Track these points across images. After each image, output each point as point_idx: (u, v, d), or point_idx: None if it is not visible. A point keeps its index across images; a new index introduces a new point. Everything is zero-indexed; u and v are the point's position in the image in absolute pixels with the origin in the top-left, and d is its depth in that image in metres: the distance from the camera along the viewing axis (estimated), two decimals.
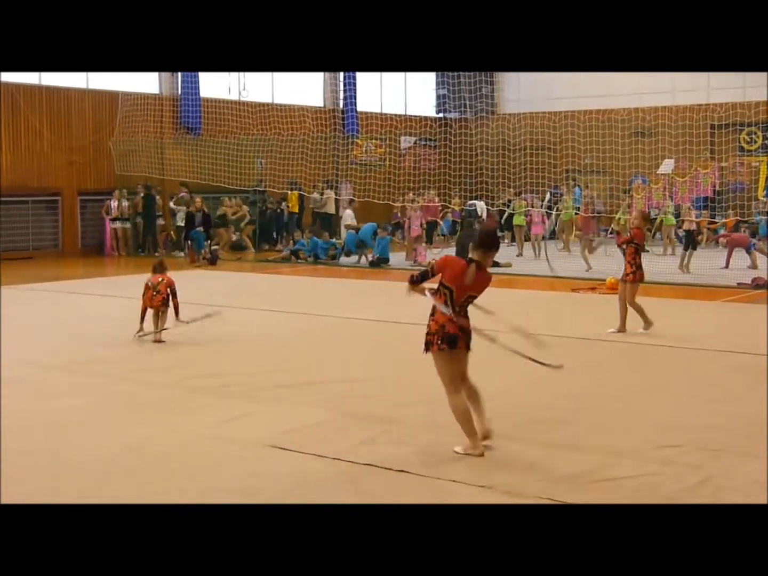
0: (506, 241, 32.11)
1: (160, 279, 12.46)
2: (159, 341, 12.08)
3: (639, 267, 12.75)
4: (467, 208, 26.73)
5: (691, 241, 21.59)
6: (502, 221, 29.11)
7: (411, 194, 27.58)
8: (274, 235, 28.96)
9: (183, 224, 26.83)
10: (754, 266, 20.75)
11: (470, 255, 7.45)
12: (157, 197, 27.28)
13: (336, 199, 29.95)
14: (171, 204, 27.42)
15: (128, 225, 27.30)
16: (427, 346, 7.40)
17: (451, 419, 7.52)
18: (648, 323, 12.74)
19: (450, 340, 7.32)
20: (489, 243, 7.48)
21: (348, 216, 27.89)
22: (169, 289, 12.34)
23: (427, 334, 7.39)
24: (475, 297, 7.53)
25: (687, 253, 21.39)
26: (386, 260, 23.51)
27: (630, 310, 12.73)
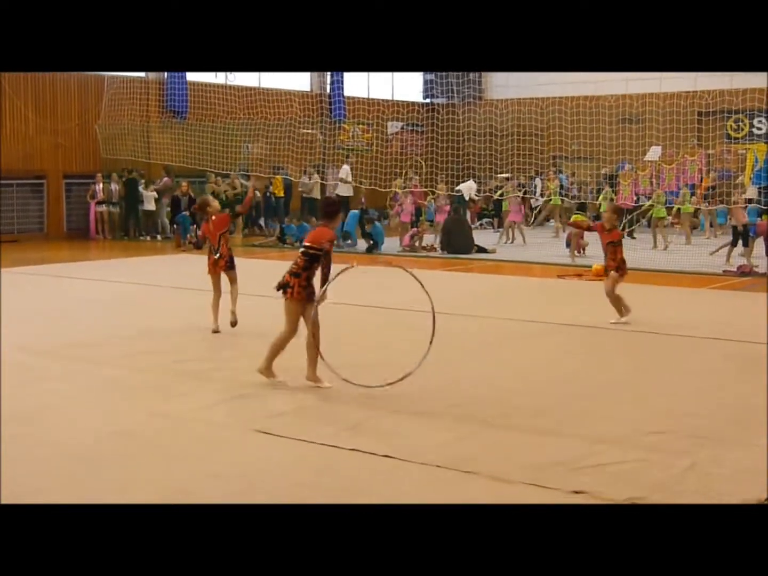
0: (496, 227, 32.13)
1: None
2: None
3: (623, 262, 12.50)
4: (454, 193, 26.70)
5: (742, 236, 19.48)
6: (488, 207, 29.17)
7: (401, 180, 27.59)
8: (262, 220, 28.89)
9: (152, 209, 26.88)
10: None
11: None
12: (141, 181, 27.20)
13: (322, 184, 29.88)
14: (141, 188, 27.22)
15: (114, 209, 27.21)
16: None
17: (440, 405, 7.50)
18: (624, 312, 12.47)
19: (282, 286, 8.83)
20: (326, 210, 9.13)
21: (346, 171, 27.64)
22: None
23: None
24: (313, 248, 8.69)
25: (739, 249, 19.46)
26: (376, 245, 23.52)
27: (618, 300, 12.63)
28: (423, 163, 30.30)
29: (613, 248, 12.50)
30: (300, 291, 8.74)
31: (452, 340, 11.41)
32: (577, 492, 6.16)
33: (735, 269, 18.51)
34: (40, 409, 8.29)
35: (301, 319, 8.89)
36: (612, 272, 12.45)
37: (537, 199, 29.05)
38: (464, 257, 21.94)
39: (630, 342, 11.53)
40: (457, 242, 22.82)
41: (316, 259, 8.66)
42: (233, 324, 11.55)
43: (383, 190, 27.36)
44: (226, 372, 9.67)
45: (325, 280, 8.51)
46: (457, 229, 23.14)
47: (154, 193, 27.15)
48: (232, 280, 11.89)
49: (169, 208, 27.17)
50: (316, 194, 29.65)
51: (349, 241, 24.16)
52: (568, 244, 21.73)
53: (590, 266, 18.69)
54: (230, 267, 11.92)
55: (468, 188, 27.58)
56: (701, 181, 26.99)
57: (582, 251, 21.53)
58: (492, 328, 12.39)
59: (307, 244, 8.78)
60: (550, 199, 27.36)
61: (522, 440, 7.40)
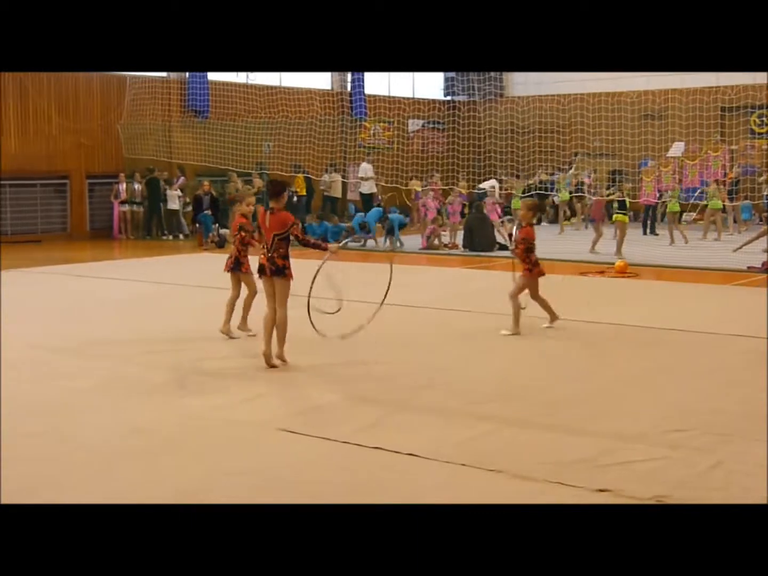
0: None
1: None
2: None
3: (535, 264, 11.81)
4: (476, 191, 26.64)
5: None
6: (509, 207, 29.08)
7: (428, 179, 27.63)
8: None
9: (176, 207, 26.96)
10: None
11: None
12: (162, 181, 27.29)
13: (343, 182, 29.90)
14: (165, 188, 27.36)
15: (137, 208, 27.31)
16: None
17: (460, 402, 7.51)
18: (554, 317, 11.92)
19: (259, 269, 9.69)
20: (272, 191, 9.81)
21: (365, 169, 27.61)
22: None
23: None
24: (282, 233, 9.53)
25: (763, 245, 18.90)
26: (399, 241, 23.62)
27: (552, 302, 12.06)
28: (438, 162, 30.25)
29: (530, 251, 11.83)
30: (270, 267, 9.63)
31: (472, 337, 11.39)
32: (602, 490, 6.12)
33: (760, 266, 18.37)
34: (60, 406, 8.31)
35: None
36: (528, 279, 11.81)
37: (555, 197, 28.98)
38: (486, 255, 21.89)
39: (650, 339, 11.45)
40: (479, 240, 22.77)
41: (286, 240, 9.61)
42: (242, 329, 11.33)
43: (404, 188, 27.34)
44: (247, 371, 9.67)
45: (315, 246, 9.92)
46: (479, 227, 23.09)
47: (179, 192, 27.21)
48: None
49: (188, 208, 27.24)
50: (337, 192, 29.66)
51: (370, 234, 24.10)
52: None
53: (613, 263, 18.61)
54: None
55: (491, 186, 27.53)
56: (725, 176, 26.83)
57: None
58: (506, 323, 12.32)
59: (276, 232, 9.55)
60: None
61: (544, 437, 7.36)
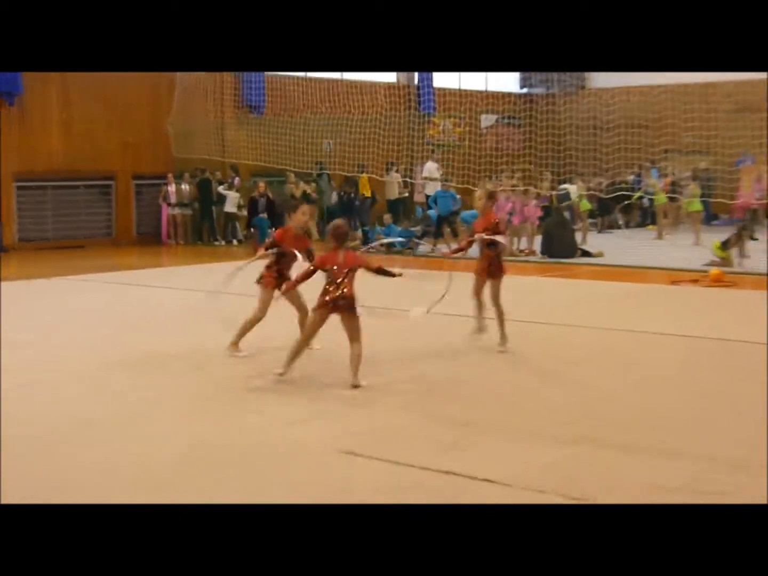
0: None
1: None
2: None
3: (495, 259, 11.42)
4: (558, 192, 26.54)
5: None
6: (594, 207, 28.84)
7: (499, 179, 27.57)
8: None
9: (234, 210, 27.16)
10: None
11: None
12: (214, 182, 27.53)
13: (411, 182, 29.90)
14: (220, 189, 27.61)
15: (187, 211, 27.56)
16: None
17: (543, 423, 7.61)
18: (502, 339, 11.41)
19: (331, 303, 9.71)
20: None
21: (429, 169, 27.59)
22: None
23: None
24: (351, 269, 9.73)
25: None
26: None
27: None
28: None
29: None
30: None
31: (554, 352, 11.33)
32: None
33: None
34: (113, 420, 8.45)
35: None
36: (492, 280, 11.43)
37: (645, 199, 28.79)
38: (567, 262, 21.79)
39: (753, 356, 11.28)
40: (559, 246, 22.67)
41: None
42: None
43: (475, 188, 27.25)
44: (306, 388, 9.74)
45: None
46: (560, 231, 22.98)
47: (238, 194, 27.37)
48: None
49: (243, 211, 27.46)
50: (392, 194, 29.44)
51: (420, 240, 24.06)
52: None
53: (707, 271, 18.42)
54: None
55: (575, 189, 27.40)
56: None
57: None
58: (598, 339, 12.26)
59: (350, 267, 9.77)
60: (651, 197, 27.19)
61: (634, 461, 7.28)
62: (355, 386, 9.63)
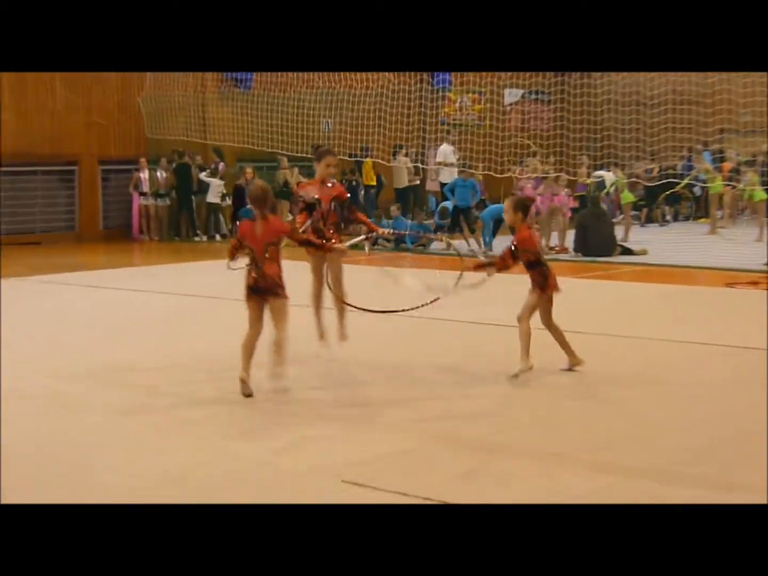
0: (668, 218, 31.85)
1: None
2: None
3: (541, 283, 10.89)
4: (595, 179, 26.50)
5: None
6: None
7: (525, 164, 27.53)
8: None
9: (217, 200, 27.10)
10: None
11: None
12: (194, 168, 27.50)
13: (423, 168, 29.85)
14: (201, 175, 27.56)
15: (162, 202, 27.52)
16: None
17: (572, 447, 7.75)
18: (574, 360, 11.11)
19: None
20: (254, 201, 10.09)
21: (444, 152, 27.46)
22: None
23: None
24: (271, 242, 9.83)
25: None
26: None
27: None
28: (531, 144, 30.04)
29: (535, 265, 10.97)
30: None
31: (589, 365, 11.26)
32: None
33: None
34: (80, 447, 8.38)
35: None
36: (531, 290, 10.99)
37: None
38: (604, 260, 21.74)
39: None
40: (594, 241, 22.61)
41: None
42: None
43: (499, 175, 27.19)
44: (302, 406, 9.73)
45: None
46: (595, 224, 22.92)
47: (222, 182, 27.34)
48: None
49: (227, 201, 27.43)
50: (400, 182, 29.32)
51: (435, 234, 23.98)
52: None
53: None
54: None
55: (611, 177, 27.37)
56: None
57: None
58: (639, 351, 12.24)
59: (269, 241, 9.87)
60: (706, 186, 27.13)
61: (679, 493, 7.20)
62: (277, 384, 9.92)
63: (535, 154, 28.77)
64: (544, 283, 10.86)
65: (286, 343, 9.94)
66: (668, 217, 32.05)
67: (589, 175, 27.09)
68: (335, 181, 12.22)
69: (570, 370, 11.03)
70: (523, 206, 11.12)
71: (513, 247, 10.87)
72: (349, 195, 11.86)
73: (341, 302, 11.48)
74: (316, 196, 11.36)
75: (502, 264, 10.97)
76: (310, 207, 11.38)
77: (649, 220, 31.17)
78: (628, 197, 27.69)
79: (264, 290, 9.80)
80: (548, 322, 11.07)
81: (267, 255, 9.75)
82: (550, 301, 10.98)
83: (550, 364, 11.11)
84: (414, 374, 10.98)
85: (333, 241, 11.19)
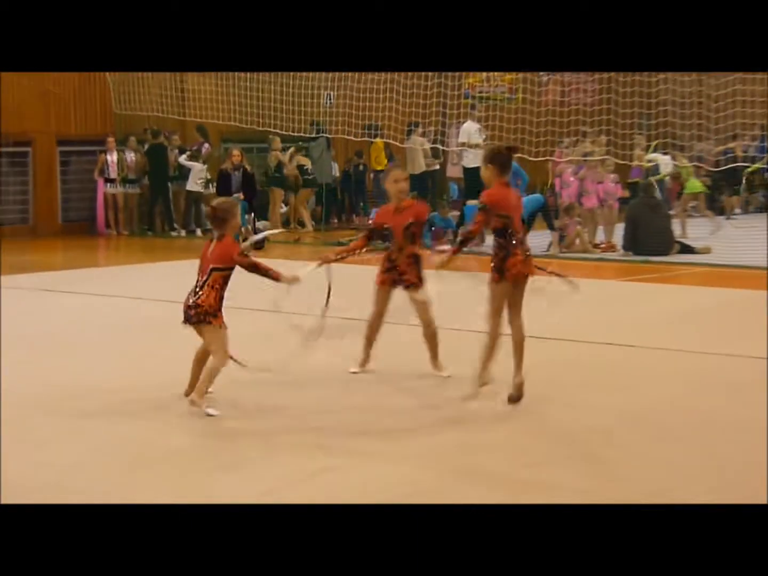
0: (738, 210, 31.78)
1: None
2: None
3: (497, 265, 10.46)
4: (647, 163, 26.58)
5: None
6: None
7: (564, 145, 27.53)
8: (350, 204, 29.00)
9: (199, 188, 27.05)
10: None
11: None
12: (170, 149, 27.46)
13: (443, 151, 29.74)
14: (180, 158, 27.45)
15: (134, 189, 27.42)
16: None
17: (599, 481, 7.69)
18: (484, 378, 10.82)
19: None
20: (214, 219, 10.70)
21: (467, 131, 27.28)
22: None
23: None
24: (218, 268, 10.27)
25: None
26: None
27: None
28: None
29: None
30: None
31: (641, 384, 11.35)
32: None
33: None
34: (33, 485, 8.34)
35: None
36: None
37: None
38: (659, 260, 21.92)
39: None
40: (647, 238, 22.61)
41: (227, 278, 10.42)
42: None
43: (534, 159, 27.10)
44: (302, 433, 9.81)
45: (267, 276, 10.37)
46: (650, 218, 22.89)
47: (204, 165, 27.25)
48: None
49: (210, 188, 27.39)
50: (416, 165, 29.08)
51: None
52: None
53: None
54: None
55: (667, 161, 27.38)
56: None
57: None
58: (700, 367, 12.43)
59: (214, 266, 10.33)
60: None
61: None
62: (194, 404, 10.17)
63: (584, 135, 28.76)
64: (501, 265, 10.39)
65: (216, 371, 10.30)
66: (737, 209, 31.99)
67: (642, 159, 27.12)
68: (413, 199, 12.42)
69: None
70: (500, 158, 10.66)
71: (483, 206, 10.53)
72: (429, 213, 12.26)
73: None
74: (388, 225, 11.61)
75: (476, 230, 10.86)
76: (375, 233, 11.87)
77: (720, 212, 30.89)
78: (694, 186, 27.57)
79: (194, 320, 10.39)
80: (513, 320, 10.59)
81: (208, 281, 10.28)
82: (518, 290, 10.52)
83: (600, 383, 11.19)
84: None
85: (406, 277, 11.39)
